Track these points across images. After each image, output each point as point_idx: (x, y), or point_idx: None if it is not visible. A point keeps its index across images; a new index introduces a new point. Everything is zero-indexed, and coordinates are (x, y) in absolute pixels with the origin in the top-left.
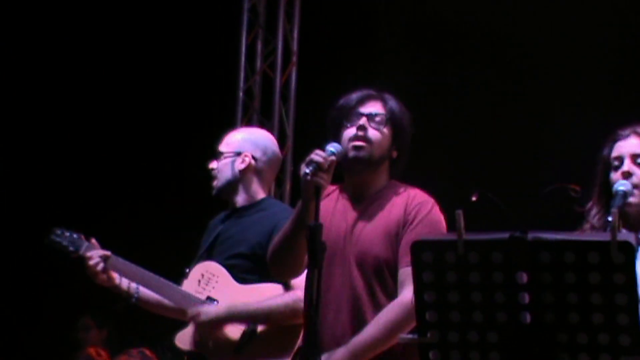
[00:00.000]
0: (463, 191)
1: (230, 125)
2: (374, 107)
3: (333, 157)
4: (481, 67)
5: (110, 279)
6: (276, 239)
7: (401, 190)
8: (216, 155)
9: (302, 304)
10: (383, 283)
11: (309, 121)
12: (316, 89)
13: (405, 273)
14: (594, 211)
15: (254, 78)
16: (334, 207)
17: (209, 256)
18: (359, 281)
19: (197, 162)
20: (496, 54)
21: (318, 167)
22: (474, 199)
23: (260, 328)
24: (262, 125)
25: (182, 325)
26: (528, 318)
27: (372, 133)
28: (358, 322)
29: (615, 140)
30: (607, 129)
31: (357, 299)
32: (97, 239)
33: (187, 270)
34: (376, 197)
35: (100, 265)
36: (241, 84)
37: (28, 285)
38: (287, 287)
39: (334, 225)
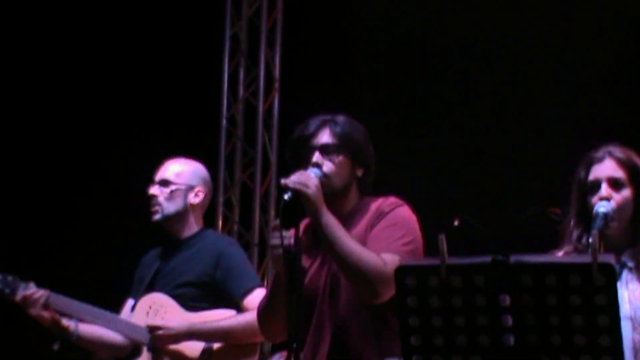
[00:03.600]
0: (445, 216)
1: (213, 154)
2: (324, 137)
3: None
4: (461, 90)
5: (53, 317)
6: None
7: (372, 202)
8: (159, 182)
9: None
10: (371, 308)
11: None
12: (299, 115)
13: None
14: (574, 233)
15: (237, 106)
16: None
17: (151, 290)
18: (343, 312)
19: None
20: (477, 75)
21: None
22: (456, 223)
23: (217, 347)
24: (245, 153)
25: None
26: (511, 340)
27: (328, 167)
28: (338, 351)
29: (590, 164)
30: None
31: (343, 330)
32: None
33: (134, 302)
34: (347, 217)
35: (42, 299)
36: (224, 111)
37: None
38: (240, 312)
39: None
